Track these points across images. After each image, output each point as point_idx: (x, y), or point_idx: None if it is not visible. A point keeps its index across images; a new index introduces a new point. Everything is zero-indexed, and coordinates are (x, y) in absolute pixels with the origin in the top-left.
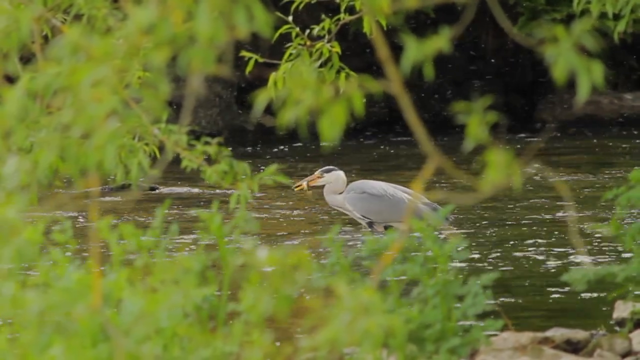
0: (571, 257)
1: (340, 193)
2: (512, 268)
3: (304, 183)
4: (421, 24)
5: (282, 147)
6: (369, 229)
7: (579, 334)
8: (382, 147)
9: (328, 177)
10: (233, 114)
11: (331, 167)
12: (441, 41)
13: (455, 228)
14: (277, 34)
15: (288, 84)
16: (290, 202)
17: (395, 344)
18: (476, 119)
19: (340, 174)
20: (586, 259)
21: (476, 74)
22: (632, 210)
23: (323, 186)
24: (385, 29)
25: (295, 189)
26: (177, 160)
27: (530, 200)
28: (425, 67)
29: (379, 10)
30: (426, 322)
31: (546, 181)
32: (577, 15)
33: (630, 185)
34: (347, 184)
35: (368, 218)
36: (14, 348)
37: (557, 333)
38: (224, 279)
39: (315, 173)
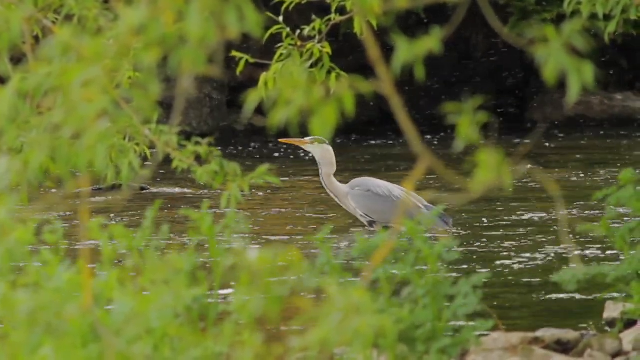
0: (561, 257)
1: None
2: (502, 268)
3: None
4: (412, 24)
5: (272, 147)
6: (369, 228)
7: (569, 334)
8: (372, 147)
9: (317, 147)
10: (224, 115)
11: (322, 138)
12: (432, 41)
13: (446, 229)
14: (268, 34)
15: (279, 85)
16: (284, 202)
17: (386, 344)
18: (467, 120)
19: (330, 148)
20: (576, 259)
21: (467, 75)
22: (622, 210)
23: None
24: (375, 29)
25: (280, 140)
26: (167, 160)
27: (521, 200)
28: (416, 67)
29: (369, 11)
30: (417, 322)
31: (536, 181)
32: (567, 16)
33: (620, 185)
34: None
35: (370, 217)
36: (4, 348)
37: (548, 333)
38: (215, 279)
39: (306, 139)
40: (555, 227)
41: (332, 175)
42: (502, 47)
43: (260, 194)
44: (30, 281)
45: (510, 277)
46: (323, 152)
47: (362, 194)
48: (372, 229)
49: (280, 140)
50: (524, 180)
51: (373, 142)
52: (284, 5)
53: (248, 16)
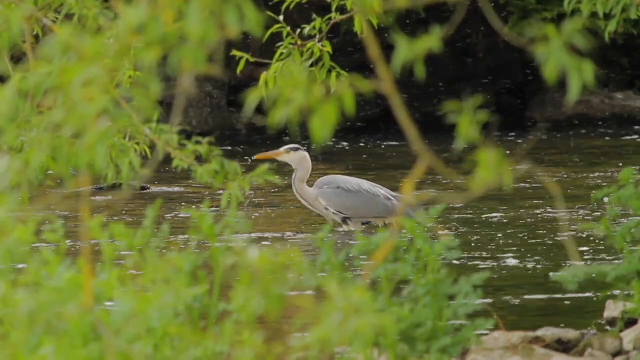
0: (562, 257)
1: (310, 187)
2: (502, 267)
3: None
4: (412, 23)
5: (273, 146)
6: (344, 225)
7: (569, 334)
8: (373, 146)
9: (293, 156)
10: (224, 114)
11: (297, 145)
12: (432, 40)
13: (445, 228)
14: (268, 34)
15: (279, 84)
16: (283, 202)
17: (386, 343)
18: (467, 119)
19: (305, 155)
20: (577, 258)
21: (467, 74)
22: (623, 210)
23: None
24: (376, 28)
25: (255, 157)
26: (168, 159)
27: (521, 200)
28: (416, 66)
29: (370, 10)
30: (417, 322)
31: (537, 180)
32: (568, 15)
33: (620, 184)
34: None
35: (343, 214)
36: (4, 348)
37: (548, 332)
38: (215, 279)
39: (281, 149)
40: (555, 226)
41: (304, 181)
42: (502, 46)
43: (260, 193)
44: (31, 281)
45: (510, 277)
46: (300, 159)
47: (332, 191)
48: (347, 226)
49: (256, 157)
50: (524, 180)
51: (373, 140)
52: (284, 5)
53: (248, 15)
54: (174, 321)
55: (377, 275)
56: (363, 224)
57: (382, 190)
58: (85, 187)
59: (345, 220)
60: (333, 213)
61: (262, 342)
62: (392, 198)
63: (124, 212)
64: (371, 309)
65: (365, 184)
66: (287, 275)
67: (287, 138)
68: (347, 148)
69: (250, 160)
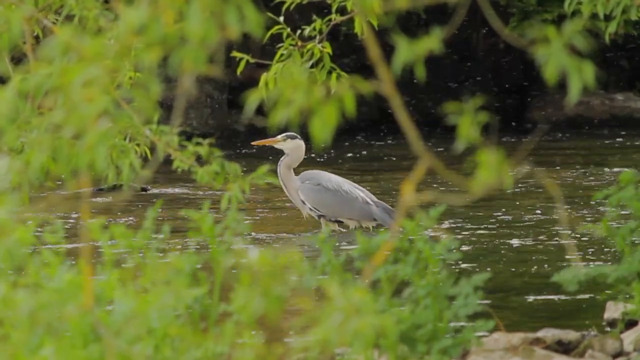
0: (562, 258)
1: (297, 180)
2: (503, 269)
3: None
4: (412, 24)
5: (273, 147)
6: (320, 221)
7: (570, 335)
8: (372, 147)
9: (289, 144)
10: (224, 115)
11: (294, 134)
12: (432, 41)
13: (446, 228)
14: (269, 35)
15: (279, 85)
16: (283, 202)
17: (387, 344)
18: (467, 120)
19: (301, 144)
20: (577, 259)
21: (467, 75)
22: (623, 211)
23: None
24: (376, 29)
25: (253, 143)
26: (168, 161)
27: (521, 201)
28: (416, 67)
29: (370, 11)
30: (417, 323)
31: (537, 181)
32: (568, 16)
33: (620, 186)
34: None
35: (318, 211)
36: (5, 348)
37: (549, 334)
38: (216, 280)
39: (278, 137)
40: (555, 227)
41: (291, 168)
42: (502, 47)
43: (260, 194)
44: (31, 281)
45: (511, 278)
46: (294, 147)
47: (312, 187)
48: (321, 222)
49: (253, 143)
50: (525, 181)
51: (373, 141)
52: (285, 5)
53: (248, 16)
54: (174, 322)
55: (378, 276)
56: (337, 223)
57: (362, 194)
58: (86, 188)
59: (320, 217)
60: (310, 209)
61: (262, 343)
62: (371, 203)
63: (124, 213)
64: (371, 310)
65: (346, 185)
66: (287, 276)
67: None
68: (346, 147)
69: (252, 148)
